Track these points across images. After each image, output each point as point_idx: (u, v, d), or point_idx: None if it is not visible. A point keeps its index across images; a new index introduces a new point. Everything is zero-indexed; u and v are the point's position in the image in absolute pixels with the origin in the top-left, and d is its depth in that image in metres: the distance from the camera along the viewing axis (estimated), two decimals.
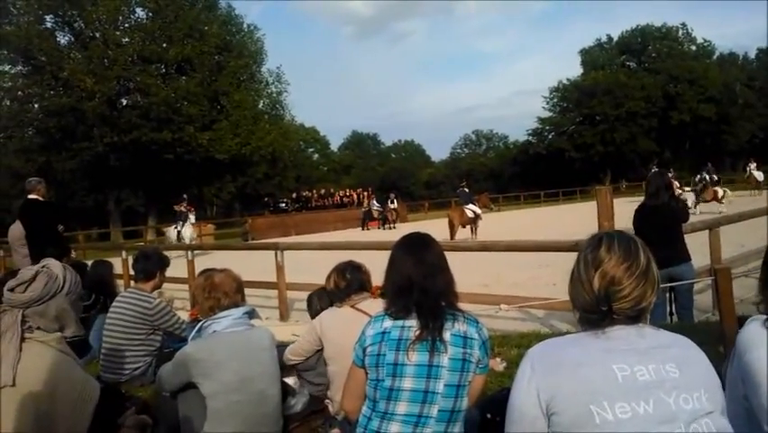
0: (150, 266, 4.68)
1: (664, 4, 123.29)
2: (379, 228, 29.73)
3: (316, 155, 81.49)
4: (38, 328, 2.19)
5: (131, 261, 5.78)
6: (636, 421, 1.43)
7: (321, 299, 3.72)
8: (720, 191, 22.87)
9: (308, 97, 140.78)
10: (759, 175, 29.41)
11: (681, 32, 65.23)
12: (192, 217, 22.01)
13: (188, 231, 21.50)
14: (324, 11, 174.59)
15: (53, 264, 2.34)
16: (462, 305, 2.41)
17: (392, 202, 31.15)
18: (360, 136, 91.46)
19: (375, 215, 30.93)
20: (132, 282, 5.20)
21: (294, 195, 38.37)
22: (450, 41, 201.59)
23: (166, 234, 22.21)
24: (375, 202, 31.72)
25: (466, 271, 7.27)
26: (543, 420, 1.52)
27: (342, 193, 38.68)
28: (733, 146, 60.54)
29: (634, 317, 1.59)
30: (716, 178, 33.91)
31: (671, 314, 5.52)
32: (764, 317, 1.67)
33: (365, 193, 37.88)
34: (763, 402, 1.56)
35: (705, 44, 65.50)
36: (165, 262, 4.82)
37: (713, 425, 1.46)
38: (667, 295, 5.48)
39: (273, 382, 2.96)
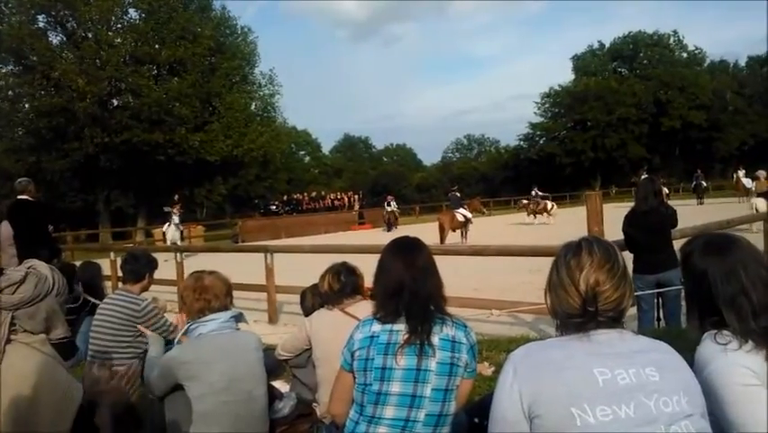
0: (139, 268, 4.65)
1: (658, 5, 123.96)
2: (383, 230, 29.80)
3: (308, 158, 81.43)
4: (24, 331, 2.17)
5: (119, 262, 5.71)
6: (617, 424, 1.45)
7: (315, 296, 3.70)
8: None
9: (300, 100, 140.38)
10: (747, 182, 29.55)
11: (672, 40, 65.70)
12: (175, 218, 21.39)
13: (170, 232, 21.17)
14: (317, 13, 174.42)
15: (40, 265, 2.32)
16: (452, 309, 2.41)
17: (388, 205, 31.42)
18: (351, 139, 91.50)
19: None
20: (121, 284, 5.16)
21: (285, 197, 38.28)
22: (443, 44, 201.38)
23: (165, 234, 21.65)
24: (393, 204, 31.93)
25: (456, 276, 7.30)
26: (525, 423, 1.54)
27: (333, 196, 38.58)
28: (723, 153, 60.88)
29: (615, 319, 1.63)
30: (704, 184, 34.17)
31: (658, 320, 5.52)
32: (715, 331, 1.73)
33: (356, 196, 37.93)
34: (725, 414, 1.62)
35: (696, 51, 66.01)
36: (154, 264, 4.79)
37: (692, 427, 1.48)
38: (655, 301, 5.49)
39: (260, 383, 2.95)
